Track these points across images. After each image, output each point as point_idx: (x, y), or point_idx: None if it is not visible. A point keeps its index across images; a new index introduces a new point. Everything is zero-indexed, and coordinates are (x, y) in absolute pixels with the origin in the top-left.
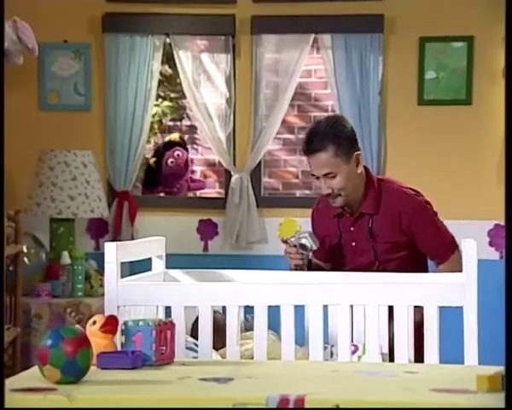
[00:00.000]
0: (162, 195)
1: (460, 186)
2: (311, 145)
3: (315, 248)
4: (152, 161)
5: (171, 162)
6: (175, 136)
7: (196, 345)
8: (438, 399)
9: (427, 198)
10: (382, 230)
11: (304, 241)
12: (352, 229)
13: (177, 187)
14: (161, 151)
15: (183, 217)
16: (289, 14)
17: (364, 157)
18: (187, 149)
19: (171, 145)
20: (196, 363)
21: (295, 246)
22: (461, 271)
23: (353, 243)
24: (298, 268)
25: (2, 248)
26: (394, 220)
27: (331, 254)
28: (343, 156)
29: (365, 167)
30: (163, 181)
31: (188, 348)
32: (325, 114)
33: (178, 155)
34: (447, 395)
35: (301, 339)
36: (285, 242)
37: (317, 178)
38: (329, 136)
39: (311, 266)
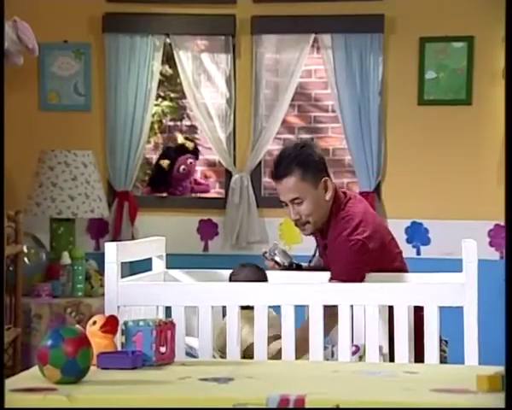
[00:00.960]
0: (164, 195)
1: (460, 186)
2: (278, 170)
3: (286, 264)
4: (165, 163)
5: (183, 169)
6: (189, 144)
7: (191, 348)
8: (438, 399)
9: (366, 235)
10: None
11: (276, 258)
12: (326, 252)
13: (180, 189)
14: (173, 155)
15: (184, 217)
16: (289, 14)
17: (365, 157)
18: (198, 158)
19: (184, 151)
20: (196, 363)
21: (272, 260)
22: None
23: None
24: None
25: (3, 249)
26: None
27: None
28: (310, 181)
29: (337, 192)
30: (170, 184)
31: (187, 353)
32: (325, 114)
33: (191, 162)
34: (447, 395)
35: None
36: (263, 254)
37: (286, 205)
38: (296, 161)
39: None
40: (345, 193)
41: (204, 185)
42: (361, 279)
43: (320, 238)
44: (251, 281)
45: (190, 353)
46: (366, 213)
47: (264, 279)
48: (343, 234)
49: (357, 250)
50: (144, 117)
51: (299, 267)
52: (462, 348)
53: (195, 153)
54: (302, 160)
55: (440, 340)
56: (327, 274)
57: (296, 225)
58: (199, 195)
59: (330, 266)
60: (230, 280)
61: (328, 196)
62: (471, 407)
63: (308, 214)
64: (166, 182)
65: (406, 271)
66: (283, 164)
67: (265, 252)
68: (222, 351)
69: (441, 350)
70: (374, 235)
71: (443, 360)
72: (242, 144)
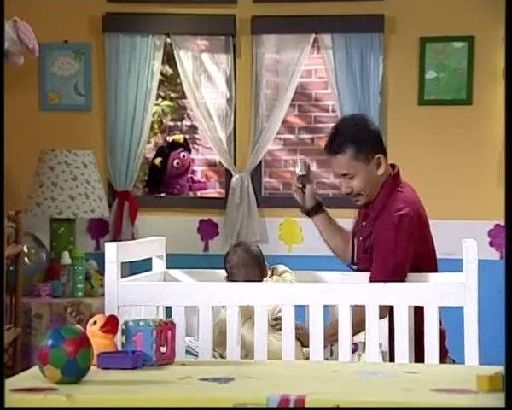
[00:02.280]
0: (163, 195)
1: (460, 186)
2: (331, 146)
3: (300, 173)
4: (158, 160)
5: (177, 164)
6: (179, 137)
7: (191, 347)
8: (438, 399)
9: (411, 217)
10: (373, 239)
11: (296, 169)
12: (363, 223)
13: (178, 188)
14: (166, 152)
15: (184, 217)
16: (290, 14)
17: None
18: (190, 151)
19: (175, 146)
20: (197, 363)
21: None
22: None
23: (360, 238)
24: (298, 194)
25: (3, 249)
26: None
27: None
28: (363, 159)
29: (394, 167)
30: (166, 181)
31: (186, 352)
32: (325, 114)
33: (184, 155)
34: (448, 395)
35: None
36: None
37: (338, 176)
38: (350, 138)
39: (320, 206)
40: (400, 175)
41: (202, 183)
42: (404, 260)
43: (363, 209)
44: (246, 262)
45: (190, 351)
46: (417, 203)
47: (259, 256)
48: (394, 216)
49: (404, 222)
50: (144, 117)
51: (319, 204)
52: (462, 348)
53: (186, 146)
54: (356, 137)
55: (447, 355)
56: (327, 274)
57: (347, 195)
58: (199, 195)
59: (374, 244)
60: (225, 264)
61: (381, 171)
62: (471, 407)
63: (359, 189)
64: (162, 180)
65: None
66: (338, 140)
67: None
68: (219, 349)
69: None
70: (420, 227)
71: None
72: (243, 144)
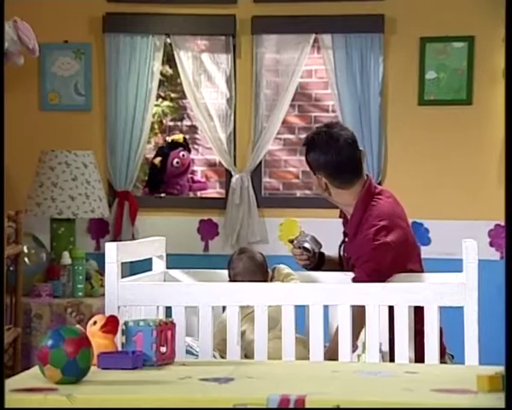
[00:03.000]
0: (163, 195)
1: (460, 186)
2: (306, 158)
3: (317, 251)
4: (157, 160)
5: (177, 163)
6: (179, 136)
7: (191, 347)
8: (438, 399)
9: (392, 240)
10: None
11: (306, 245)
12: (346, 239)
13: (178, 188)
14: (166, 151)
15: (184, 217)
16: (290, 14)
17: (365, 157)
18: (190, 150)
19: (175, 146)
20: (197, 363)
21: (299, 247)
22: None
23: (345, 254)
24: (307, 268)
25: (3, 249)
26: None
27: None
28: (336, 185)
29: (367, 177)
30: (166, 181)
31: (187, 351)
32: (325, 114)
33: (183, 155)
34: (448, 395)
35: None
36: (291, 242)
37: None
38: (321, 167)
39: (323, 260)
40: (373, 186)
41: (202, 183)
42: (380, 268)
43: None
44: (250, 270)
45: (191, 351)
46: (394, 215)
47: (263, 264)
48: (369, 232)
49: (382, 252)
50: (145, 117)
51: (321, 257)
52: (462, 348)
53: (186, 146)
54: (328, 169)
55: (445, 352)
56: (327, 274)
57: (320, 193)
58: (199, 195)
59: (353, 262)
60: (229, 270)
61: (355, 193)
62: (471, 408)
63: (332, 201)
64: (162, 180)
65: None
66: (310, 160)
67: (292, 240)
68: (220, 350)
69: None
70: (399, 239)
71: None
72: (243, 144)
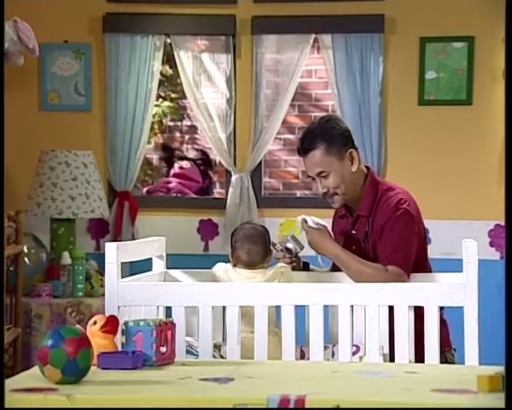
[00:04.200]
0: (162, 195)
1: (460, 186)
2: (303, 145)
3: (299, 250)
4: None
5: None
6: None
7: (191, 346)
8: (438, 399)
9: (413, 210)
10: (374, 235)
11: (288, 245)
12: (353, 232)
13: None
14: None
15: (184, 217)
16: (290, 14)
17: (365, 157)
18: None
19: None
20: (197, 363)
21: (282, 250)
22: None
23: (353, 247)
24: (293, 269)
25: (3, 249)
26: (378, 229)
27: None
28: (335, 154)
29: (368, 168)
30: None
31: (186, 351)
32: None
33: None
34: (448, 395)
35: (302, 339)
36: (273, 246)
37: (313, 178)
38: (320, 134)
39: (307, 269)
40: (380, 180)
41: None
42: (409, 255)
43: (347, 216)
44: (251, 236)
45: (191, 351)
46: (408, 192)
47: (265, 235)
48: (392, 202)
49: (404, 217)
50: (145, 117)
51: (306, 266)
52: (462, 348)
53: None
54: (326, 133)
55: (450, 346)
56: (328, 274)
57: (324, 198)
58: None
59: (377, 242)
60: (231, 241)
61: (355, 167)
62: (472, 408)
63: (335, 186)
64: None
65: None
66: (308, 139)
67: (275, 244)
68: None
69: (450, 355)
70: (418, 216)
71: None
72: (243, 144)
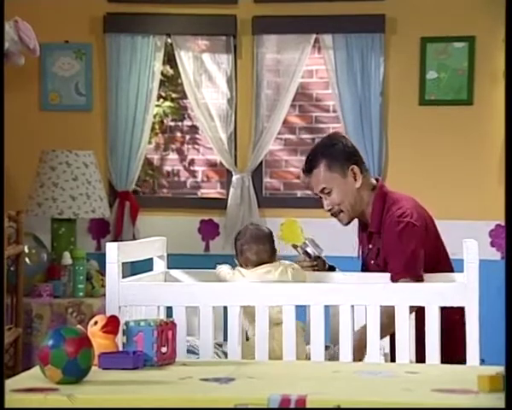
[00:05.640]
0: (163, 195)
1: (461, 186)
2: (307, 164)
3: (317, 254)
4: None
5: None
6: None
7: (193, 346)
8: (439, 399)
9: (417, 219)
10: (383, 252)
11: (308, 249)
12: (370, 246)
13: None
14: None
15: (185, 217)
16: (290, 14)
17: (366, 157)
18: None
19: None
20: (197, 363)
21: (302, 254)
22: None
23: (372, 262)
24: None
25: (2, 249)
26: (385, 246)
27: (362, 268)
28: (337, 170)
29: (377, 180)
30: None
31: (188, 351)
32: (326, 114)
33: None
34: (448, 395)
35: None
36: (294, 247)
37: (320, 197)
38: (322, 151)
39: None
40: (388, 192)
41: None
42: (419, 266)
43: (361, 230)
44: (257, 237)
45: (192, 350)
46: (413, 200)
47: (270, 235)
48: (393, 217)
49: (406, 230)
50: (145, 117)
51: (331, 269)
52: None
53: None
54: (327, 149)
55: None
56: (328, 274)
57: (332, 215)
58: (200, 195)
59: (386, 258)
60: (236, 245)
61: (358, 183)
62: (472, 408)
63: (339, 203)
64: None
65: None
66: (311, 157)
67: (296, 246)
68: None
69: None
70: (424, 224)
71: None
72: (243, 144)
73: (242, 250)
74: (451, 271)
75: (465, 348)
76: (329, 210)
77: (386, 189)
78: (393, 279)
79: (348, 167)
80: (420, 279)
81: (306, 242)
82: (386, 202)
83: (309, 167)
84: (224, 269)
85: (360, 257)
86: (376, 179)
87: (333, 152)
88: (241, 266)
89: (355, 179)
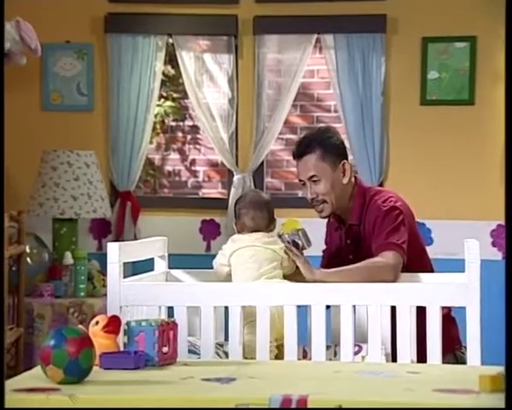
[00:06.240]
0: (165, 195)
1: (463, 186)
2: (299, 148)
3: (306, 247)
4: None
5: None
6: None
7: (195, 346)
8: (440, 399)
9: (401, 206)
10: (367, 239)
11: (297, 239)
12: (348, 242)
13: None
14: None
15: (186, 217)
16: (292, 14)
17: (367, 157)
18: None
19: None
20: (199, 363)
21: (288, 242)
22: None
23: (350, 256)
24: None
25: (2, 249)
26: (370, 229)
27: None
28: (329, 162)
29: (356, 178)
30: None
31: (189, 351)
32: (328, 114)
33: None
34: (449, 395)
35: (304, 339)
36: (279, 236)
37: (304, 184)
38: (317, 140)
39: None
40: (369, 187)
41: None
42: (402, 240)
43: (338, 228)
44: (256, 203)
45: (194, 350)
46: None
47: (270, 202)
48: (377, 204)
49: (391, 212)
50: (147, 117)
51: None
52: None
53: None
54: (323, 140)
55: (461, 344)
56: None
57: (313, 205)
58: (201, 195)
59: (371, 240)
60: (235, 210)
61: (346, 179)
62: (473, 408)
63: (324, 193)
64: None
65: (432, 270)
66: (305, 143)
67: (282, 234)
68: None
69: (461, 353)
70: (406, 209)
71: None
72: (245, 144)
73: (240, 215)
74: (431, 265)
75: (453, 341)
76: (312, 199)
77: (365, 184)
78: (377, 252)
79: (340, 162)
80: (401, 252)
81: (299, 233)
82: (366, 195)
83: (301, 152)
84: (215, 260)
85: (325, 254)
86: (355, 177)
87: (328, 144)
88: (239, 232)
89: (344, 175)
